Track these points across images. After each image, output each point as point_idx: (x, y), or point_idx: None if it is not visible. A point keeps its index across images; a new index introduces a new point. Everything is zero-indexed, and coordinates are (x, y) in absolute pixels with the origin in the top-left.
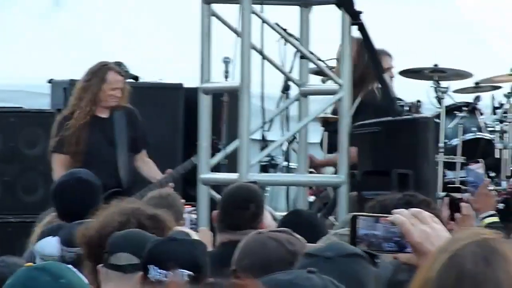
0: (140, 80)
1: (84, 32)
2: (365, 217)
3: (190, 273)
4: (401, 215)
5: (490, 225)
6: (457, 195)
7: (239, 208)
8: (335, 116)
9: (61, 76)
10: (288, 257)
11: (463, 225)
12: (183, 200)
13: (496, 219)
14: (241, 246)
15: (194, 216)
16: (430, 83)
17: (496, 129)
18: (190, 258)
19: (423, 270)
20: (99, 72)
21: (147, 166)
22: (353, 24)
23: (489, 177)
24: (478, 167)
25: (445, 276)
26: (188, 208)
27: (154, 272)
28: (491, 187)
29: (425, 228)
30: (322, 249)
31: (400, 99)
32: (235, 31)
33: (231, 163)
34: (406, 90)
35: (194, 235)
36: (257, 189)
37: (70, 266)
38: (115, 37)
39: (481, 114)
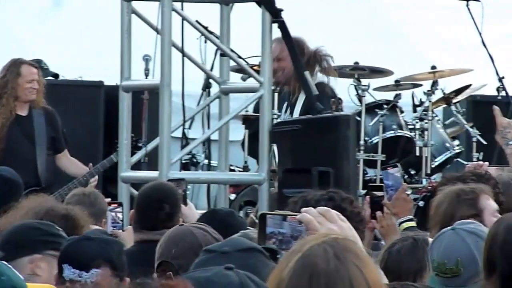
0: (60, 78)
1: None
2: (273, 216)
3: (102, 271)
4: (308, 214)
5: (407, 230)
6: (379, 193)
7: (153, 209)
8: (256, 114)
9: None
10: (215, 243)
11: (384, 223)
12: (108, 199)
13: (413, 223)
14: (165, 239)
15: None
16: (350, 81)
17: (417, 127)
18: (103, 257)
19: (276, 271)
20: (12, 67)
21: (73, 165)
22: (273, 22)
23: (409, 175)
24: (396, 171)
25: (298, 277)
26: (112, 206)
27: (68, 272)
28: (409, 192)
29: (331, 226)
30: (220, 245)
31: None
32: (155, 29)
33: (152, 161)
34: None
35: (120, 234)
36: (172, 188)
37: (4, 262)
38: (35, 35)
39: (402, 112)
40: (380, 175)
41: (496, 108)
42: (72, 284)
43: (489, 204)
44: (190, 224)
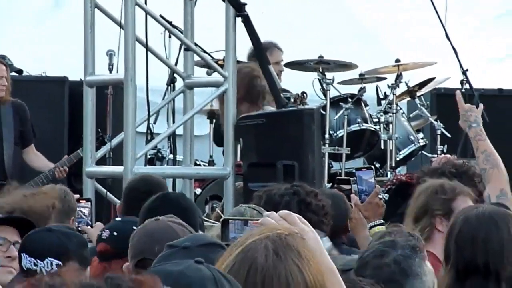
0: (24, 74)
1: None
2: (234, 221)
3: (59, 262)
4: (270, 218)
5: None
6: (346, 186)
7: (141, 200)
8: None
9: None
10: None
11: (351, 217)
12: (77, 196)
13: (383, 228)
14: (143, 235)
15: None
16: (315, 74)
17: (381, 120)
18: (60, 248)
19: (219, 262)
20: None
21: (38, 159)
22: (237, 16)
23: (374, 168)
24: (370, 177)
25: (237, 270)
26: (81, 203)
27: (25, 260)
28: (381, 196)
29: None
30: (181, 240)
31: (286, 91)
32: (119, 24)
33: (117, 156)
34: (292, 82)
35: (88, 230)
36: (160, 181)
37: None
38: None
39: (366, 105)
40: (354, 178)
41: (458, 93)
42: (31, 273)
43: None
44: (166, 218)
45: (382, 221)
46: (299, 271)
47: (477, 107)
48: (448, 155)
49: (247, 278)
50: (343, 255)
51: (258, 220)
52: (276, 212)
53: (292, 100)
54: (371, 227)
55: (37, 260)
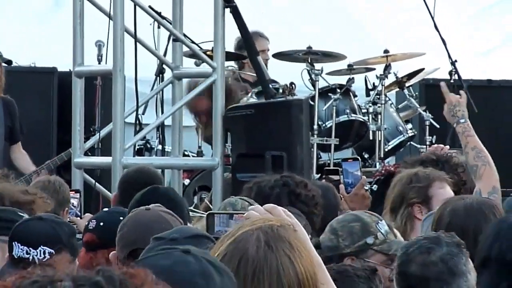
0: (14, 65)
1: None
2: (220, 215)
3: (52, 250)
4: (255, 211)
5: None
6: (335, 177)
7: (138, 191)
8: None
9: None
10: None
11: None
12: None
13: None
14: (134, 225)
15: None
16: (304, 65)
17: (370, 111)
18: (52, 237)
19: (211, 252)
20: None
21: (23, 158)
22: (226, 6)
23: (363, 158)
24: (356, 169)
25: (228, 260)
26: (71, 194)
27: (17, 249)
28: (367, 187)
29: None
30: (169, 233)
31: (275, 81)
32: (108, 15)
33: (106, 147)
34: (280, 73)
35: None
36: (156, 172)
37: None
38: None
39: (355, 96)
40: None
41: (443, 85)
42: (24, 264)
43: (440, 193)
44: (156, 208)
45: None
46: (290, 262)
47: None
48: (442, 145)
49: (238, 269)
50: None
51: (243, 214)
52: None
53: (280, 91)
54: None
55: (30, 248)
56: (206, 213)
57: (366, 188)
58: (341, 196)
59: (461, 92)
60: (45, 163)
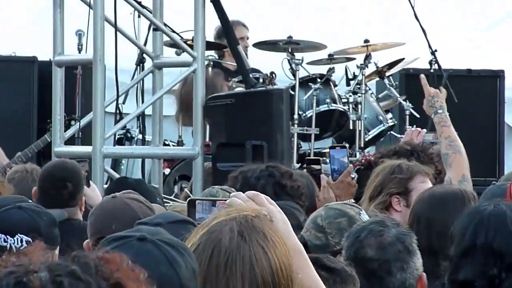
0: None
1: None
2: (202, 201)
3: (29, 239)
4: (237, 198)
5: None
6: (316, 167)
7: (56, 187)
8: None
9: None
10: (150, 213)
11: (321, 197)
12: None
13: None
14: (99, 213)
15: None
16: (284, 55)
17: (350, 100)
18: (30, 225)
19: (186, 242)
20: None
21: None
22: None
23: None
24: (342, 156)
25: (201, 251)
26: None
27: None
28: (353, 175)
29: None
30: (152, 218)
31: (256, 71)
32: (88, 4)
33: (86, 136)
34: (261, 62)
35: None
36: (75, 166)
37: None
38: None
39: (335, 85)
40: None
41: (422, 77)
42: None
43: (421, 187)
44: (123, 195)
45: (353, 200)
46: (264, 252)
47: (446, 87)
48: (419, 129)
49: (211, 260)
50: None
51: (225, 200)
52: None
53: (261, 80)
54: None
55: (7, 236)
56: (188, 199)
57: (353, 176)
58: (322, 186)
59: (441, 88)
60: (16, 155)
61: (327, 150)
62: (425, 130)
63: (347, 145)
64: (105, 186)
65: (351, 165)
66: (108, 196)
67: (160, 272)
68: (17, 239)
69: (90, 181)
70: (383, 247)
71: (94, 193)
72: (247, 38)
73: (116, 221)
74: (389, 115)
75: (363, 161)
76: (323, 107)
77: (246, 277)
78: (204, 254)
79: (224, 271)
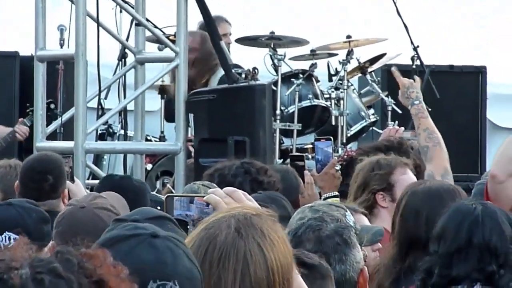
0: None
1: None
2: (180, 198)
3: (16, 236)
4: (215, 195)
5: None
6: (300, 163)
7: (37, 180)
8: (171, 84)
9: None
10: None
11: (305, 193)
12: None
13: (337, 200)
14: (68, 224)
15: None
16: (266, 50)
17: (332, 96)
18: (18, 222)
19: (187, 239)
20: None
21: None
22: None
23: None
24: (327, 146)
25: (198, 246)
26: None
27: None
28: (338, 167)
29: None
30: (130, 214)
31: (238, 66)
32: None
33: (68, 132)
34: (243, 58)
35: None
36: (56, 159)
37: None
38: None
39: (317, 81)
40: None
41: (394, 70)
42: None
43: (403, 179)
44: (91, 204)
45: (336, 193)
46: (260, 250)
47: (428, 83)
48: (397, 127)
49: (205, 255)
50: None
51: (203, 197)
52: None
53: (243, 76)
54: (325, 198)
55: None
56: (165, 196)
57: (337, 168)
58: (306, 182)
59: (415, 77)
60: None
61: (312, 142)
62: (403, 128)
63: (331, 138)
64: (87, 181)
65: (336, 157)
66: (77, 206)
67: (186, 268)
68: (5, 236)
69: (75, 177)
70: (321, 240)
71: (77, 188)
72: (230, 35)
73: (82, 234)
74: (371, 111)
75: (345, 157)
76: (305, 103)
77: (238, 273)
78: (200, 249)
79: (217, 265)
